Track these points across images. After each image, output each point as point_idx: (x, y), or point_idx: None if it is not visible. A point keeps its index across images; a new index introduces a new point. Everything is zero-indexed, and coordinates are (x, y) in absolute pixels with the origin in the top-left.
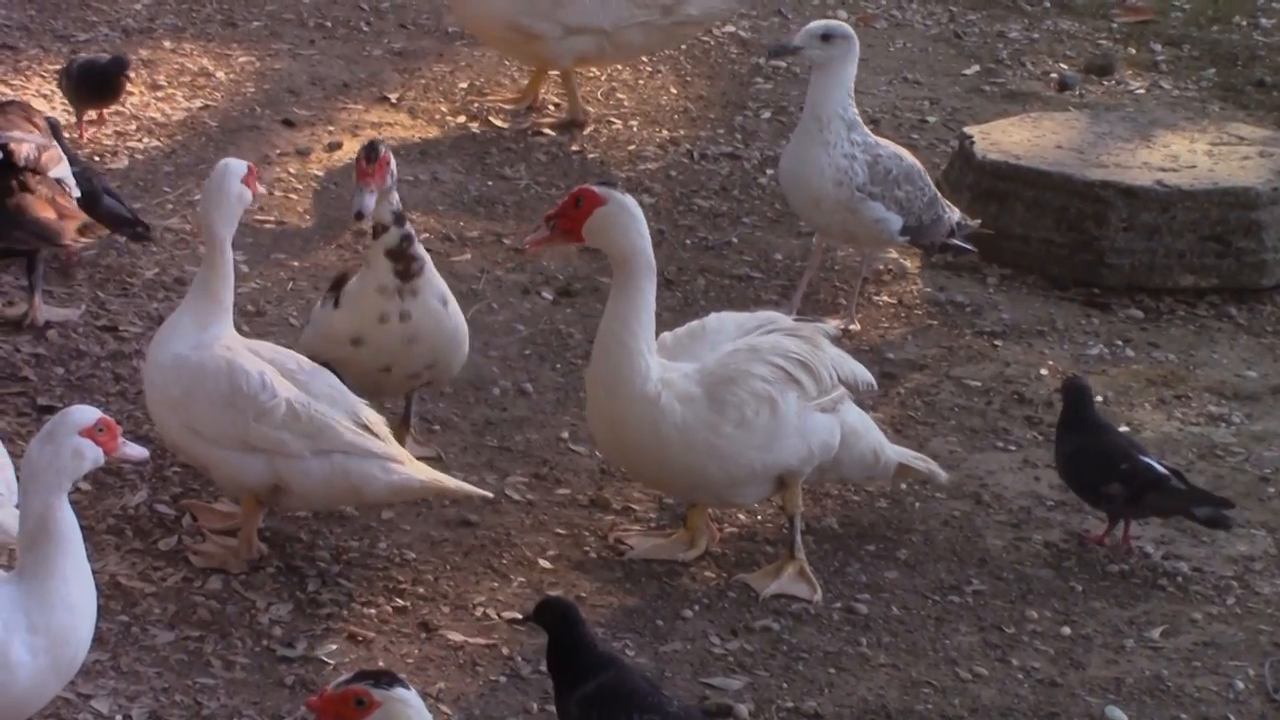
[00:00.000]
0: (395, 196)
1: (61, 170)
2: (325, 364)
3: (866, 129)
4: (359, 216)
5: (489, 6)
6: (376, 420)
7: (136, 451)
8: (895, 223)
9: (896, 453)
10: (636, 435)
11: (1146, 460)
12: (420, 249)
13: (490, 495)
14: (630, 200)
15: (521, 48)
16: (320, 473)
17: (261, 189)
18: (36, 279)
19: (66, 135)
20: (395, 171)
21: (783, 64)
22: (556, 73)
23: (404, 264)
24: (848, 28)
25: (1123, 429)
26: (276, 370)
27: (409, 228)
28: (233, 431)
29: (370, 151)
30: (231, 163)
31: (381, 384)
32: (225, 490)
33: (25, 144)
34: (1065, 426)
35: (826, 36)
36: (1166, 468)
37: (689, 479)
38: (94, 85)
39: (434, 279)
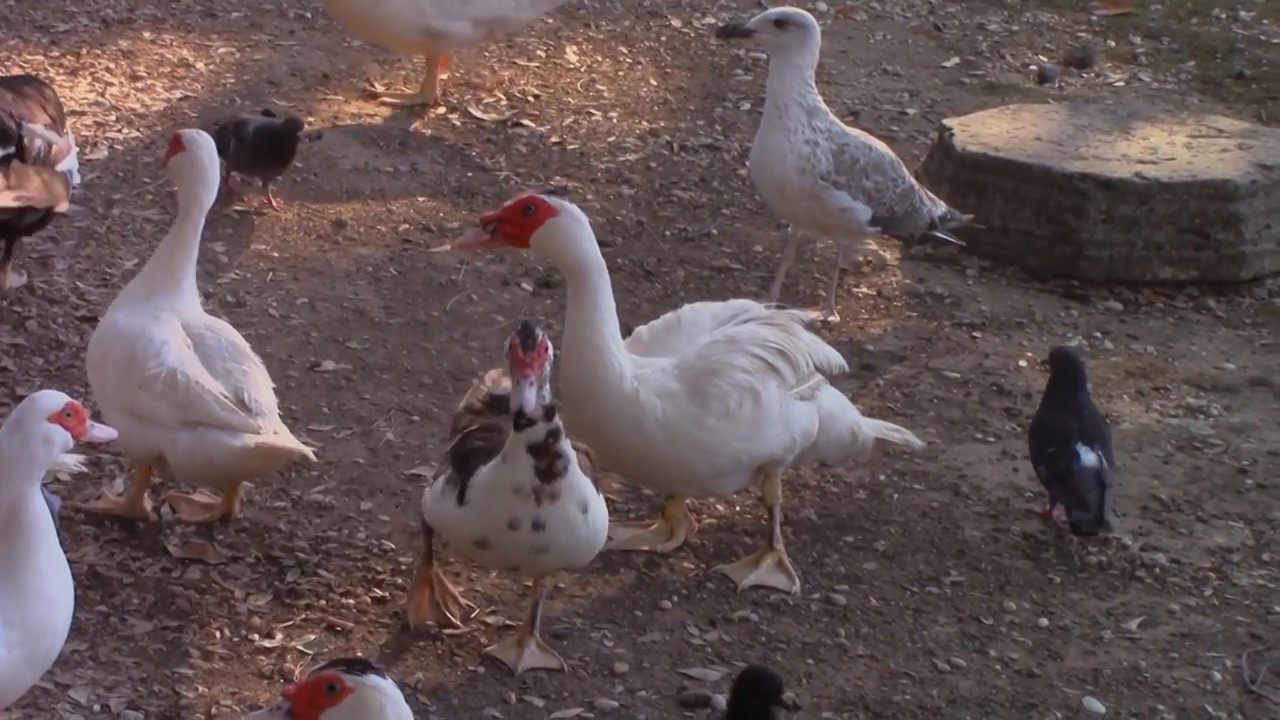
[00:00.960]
0: (549, 387)
1: (69, 162)
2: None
3: (833, 117)
4: (520, 415)
5: (400, 16)
6: (266, 402)
7: (105, 433)
8: (864, 213)
9: (872, 428)
10: (620, 434)
11: (1075, 449)
12: (567, 445)
13: (311, 454)
14: (578, 210)
15: (425, 47)
16: (184, 444)
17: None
18: (9, 258)
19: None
20: (551, 355)
21: (762, 55)
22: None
23: (547, 461)
24: (805, 16)
25: None
26: (189, 342)
27: (558, 421)
28: (121, 397)
29: (527, 339)
30: (203, 136)
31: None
32: (131, 459)
33: (38, 139)
34: (1043, 397)
35: (780, 23)
36: (1097, 465)
37: (674, 473)
38: (272, 152)
39: (578, 481)
